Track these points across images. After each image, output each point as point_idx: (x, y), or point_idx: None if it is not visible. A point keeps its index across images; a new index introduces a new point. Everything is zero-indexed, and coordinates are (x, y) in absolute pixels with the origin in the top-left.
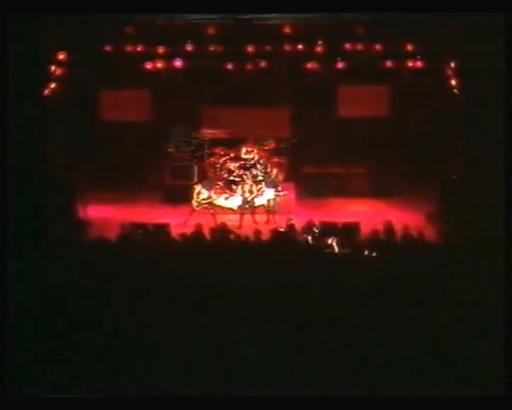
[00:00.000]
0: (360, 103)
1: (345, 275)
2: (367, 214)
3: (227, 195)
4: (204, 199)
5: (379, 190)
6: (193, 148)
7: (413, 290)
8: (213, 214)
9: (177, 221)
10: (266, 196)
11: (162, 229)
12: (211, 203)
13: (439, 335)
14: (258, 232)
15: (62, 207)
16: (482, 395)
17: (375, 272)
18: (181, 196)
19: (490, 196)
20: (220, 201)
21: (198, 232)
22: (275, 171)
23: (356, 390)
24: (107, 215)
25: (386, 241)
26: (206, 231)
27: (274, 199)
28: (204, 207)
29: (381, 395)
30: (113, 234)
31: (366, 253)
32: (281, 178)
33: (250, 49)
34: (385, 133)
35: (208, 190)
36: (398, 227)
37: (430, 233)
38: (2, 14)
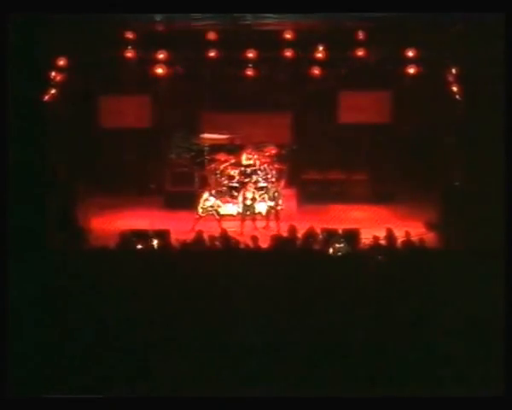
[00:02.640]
0: (361, 109)
1: (346, 281)
2: (368, 221)
3: (228, 200)
4: (211, 206)
5: (380, 197)
6: (193, 154)
7: (413, 293)
8: (219, 221)
9: (178, 228)
10: (267, 204)
11: (163, 235)
12: (215, 209)
13: (439, 336)
14: (259, 239)
15: (62, 214)
16: (482, 395)
17: (377, 278)
18: (182, 202)
19: (492, 202)
20: (221, 207)
21: (201, 238)
22: (272, 188)
23: (356, 390)
24: (107, 222)
25: (387, 247)
26: (209, 238)
27: (275, 207)
28: (209, 214)
29: (381, 395)
30: (113, 241)
31: (367, 259)
32: (281, 185)
33: (251, 54)
34: (386, 139)
35: (216, 199)
36: (399, 234)
37: (432, 240)
38: (1, 13)
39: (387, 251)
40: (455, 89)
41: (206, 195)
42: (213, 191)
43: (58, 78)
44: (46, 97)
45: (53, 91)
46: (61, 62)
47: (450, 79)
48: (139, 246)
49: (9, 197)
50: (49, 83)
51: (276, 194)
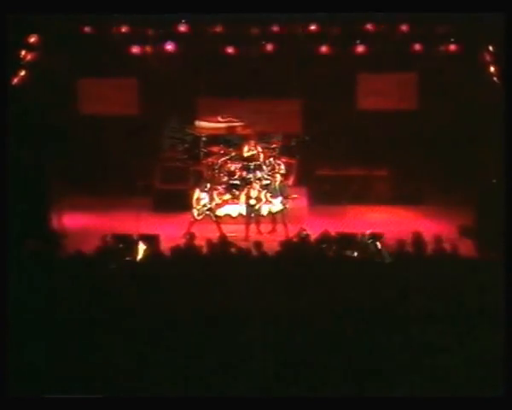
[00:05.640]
0: (383, 94)
1: (366, 292)
2: (391, 224)
3: (224, 196)
4: (205, 205)
5: (405, 196)
6: (187, 146)
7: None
8: (218, 224)
9: (169, 233)
10: (274, 203)
11: (151, 241)
12: (212, 210)
13: (440, 336)
14: (265, 245)
15: (34, 215)
16: (482, 395)
17: (401, 289)
18: (174, 202)
19: None
20: (220, 208)
21: (196, 245)
22: (279, 177)
23: (356, 390)
24: (86, 225)
25: (413, 255)
26: (206, 244)
27: (283, 207)
28: (206, 215)
29: (382, 395)
30: (93, 247)
31: (391, 268)
32: (290, 182)
33: (254, 30)
34: (412, 129)
35: (208, 192)
36: (427, 239)
37: (466, 247)
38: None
39: (414, 259)
40: (492, 70)
41: (197, 192)
42: (203, 185)
43: (29, 58)
44: (15, 80)
45: (23, 73)
46: (33, 40)
47: (487, 58)
48: (123, 253)
49: None
50: (19, 64)
51: (283, 192)
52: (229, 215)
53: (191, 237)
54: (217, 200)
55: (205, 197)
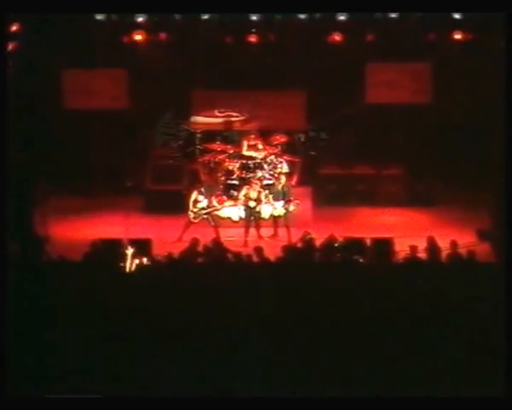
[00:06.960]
0: (394, 86)
1: (375, 300)
2: (403, 228)
3: (225, 203)
4: (203, 208)
5: (417, 198)
6: (181, 142)
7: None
8: (215, 228)
9: (162, 237)
10: (275, 206)
11: (143, 246)
12: (211, 214)
13: (439, 336)
14: (266, 251)
15: (17, 218)
16: (482, 395)
17: (412, 297)
18: (167, 204)
19: None
20: (217, 210)
21: (191, 250)
22: (283, 179)
23: (356, 390)
24: (73, 229)
25: (426, 261)
26: (202, 250)
27: (285, 211)
28: (204, 219)
29: (382, 395)
30: (80, 253)
31: (402, 275)
32: (293, 182)
33: (254, 17)
34: (425, 125)
35: (207, 197)
36: (442, 244)
37: (484, 252)
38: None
39: (428, 266)
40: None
41: (194, 194)
42: (203, 189)
43: (10, 47)
44: None
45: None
46: (14, 28)
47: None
48: (113, 259)
49: None
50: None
51: (286, 193)
52: (228, 218)
53: (194, 241)
54: (216, 205)
55: (203, 200)
